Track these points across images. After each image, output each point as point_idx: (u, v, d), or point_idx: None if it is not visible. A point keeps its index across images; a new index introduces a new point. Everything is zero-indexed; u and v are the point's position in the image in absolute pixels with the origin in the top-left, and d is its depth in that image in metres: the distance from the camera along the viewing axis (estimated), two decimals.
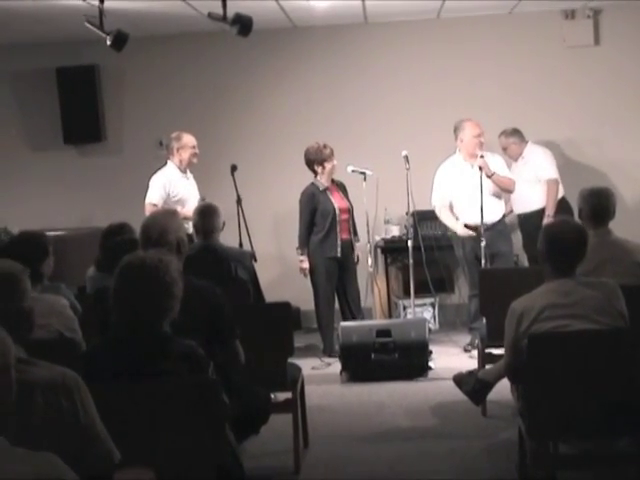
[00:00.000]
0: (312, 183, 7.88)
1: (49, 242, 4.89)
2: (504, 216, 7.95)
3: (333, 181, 7.94)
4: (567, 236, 4.31)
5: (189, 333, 3.60)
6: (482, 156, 7.51)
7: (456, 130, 7.80)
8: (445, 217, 7.92)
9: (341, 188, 7.99)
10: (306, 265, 7.86)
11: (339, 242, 7.82)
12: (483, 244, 7.43)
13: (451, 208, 7.89)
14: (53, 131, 9.25)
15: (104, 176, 9.28)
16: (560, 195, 8.24)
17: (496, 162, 7.78)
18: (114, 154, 9.35)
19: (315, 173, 7.88)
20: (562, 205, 8.13)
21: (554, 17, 8.95)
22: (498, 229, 7.81)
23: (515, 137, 8.40)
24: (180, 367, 3.42)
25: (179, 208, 7.38)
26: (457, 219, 7.85)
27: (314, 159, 7.84)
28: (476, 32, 9.02)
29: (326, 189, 7.85)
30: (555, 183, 8.19)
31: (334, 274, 7.89)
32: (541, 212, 8.12)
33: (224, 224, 6.34)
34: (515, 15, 8.93)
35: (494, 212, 7.75)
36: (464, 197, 7.73)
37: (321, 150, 7.82)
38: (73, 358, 3.56)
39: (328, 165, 7.82)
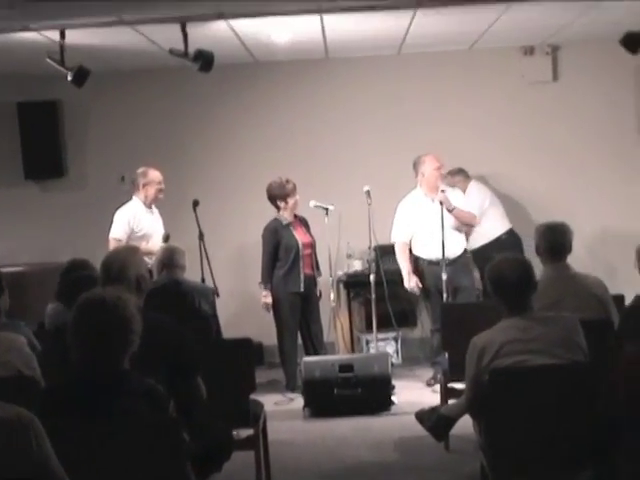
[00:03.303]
0: (275, 218, 7.88)
1: (3, 278, 4.84)
2: (465, 250, 8.00)
3: (296, 216, 7.96)
4: (509, 274, 4.30)
5: (150, 368, 3.57)
6: (443, 191, 7.58)
7: (415, 165, 7.87)
8: (400, 259, 7.93)
9: (303, 223, 8.00)
10: (269, 300, 7.84)
11: (302, 277, 7.81)
12: (445, 278, 7.47)
13: (411, 244, 7.92)
14: (14, 167, 9.16)
15: (66, 212, 9.22)
16: (507, 228, 8.50)
17: (456, 197, 7.86)
18: (76, 190, 9.29)
19: (278, 208, 7.89)
20: (510, 237, 8.38)
21: (514, 53, 9.08)
22: (460, 262, 7.87)
23: (460, 175, 8.66)
24: (140, 404, 3.39)
25: (143, 243, 7.38)
26: (417, 258, 7.89)
27: (277, 194, 7.85)
28: (436, 67, 9.11)
29: (289, 224, 7.86)
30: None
31: (297, 309, 7.88)
32: (491, 244, 8.26)
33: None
34: (475, 51, 9.04)
35: (455, 246, 7.82)
36: (425, 232, 7.77)
37: (284, 185, 7.83)
38: (32, 395, 3.53)
39: (291, 200, 7.83)
